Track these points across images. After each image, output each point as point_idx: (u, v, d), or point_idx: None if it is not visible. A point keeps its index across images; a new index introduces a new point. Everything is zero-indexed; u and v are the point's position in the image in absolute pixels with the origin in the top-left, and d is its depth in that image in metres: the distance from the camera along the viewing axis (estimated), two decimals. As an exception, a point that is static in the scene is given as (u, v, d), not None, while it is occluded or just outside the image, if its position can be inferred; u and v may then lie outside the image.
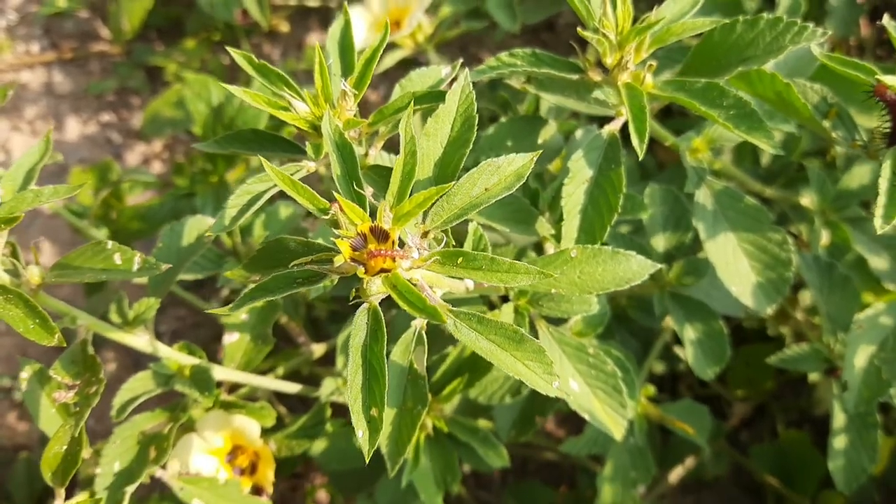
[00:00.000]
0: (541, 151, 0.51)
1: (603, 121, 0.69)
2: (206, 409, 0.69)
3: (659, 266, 0.59)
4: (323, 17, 1.43)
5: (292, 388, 0.74)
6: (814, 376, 1.03)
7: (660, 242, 0.78)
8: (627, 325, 0.88)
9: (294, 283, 0.47)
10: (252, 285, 0.47)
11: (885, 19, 0.64)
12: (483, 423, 0.75)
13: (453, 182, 0.49)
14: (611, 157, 0.63)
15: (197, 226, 0.67)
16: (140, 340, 0.64)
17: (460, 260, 0.46)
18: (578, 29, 0.59)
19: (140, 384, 0.65)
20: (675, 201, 0.78)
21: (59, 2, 1.38)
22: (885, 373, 0.69)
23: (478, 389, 0.72)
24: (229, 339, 0.71)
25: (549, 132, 0.75)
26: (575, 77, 0.62)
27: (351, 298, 0.48)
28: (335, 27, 0.60)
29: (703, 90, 0.60)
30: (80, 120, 1.37)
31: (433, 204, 0.48)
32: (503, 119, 0.76)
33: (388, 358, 0.58)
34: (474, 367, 0.71)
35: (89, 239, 0.99)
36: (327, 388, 0.72)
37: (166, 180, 1.14)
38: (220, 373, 0.67)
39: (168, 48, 1.40)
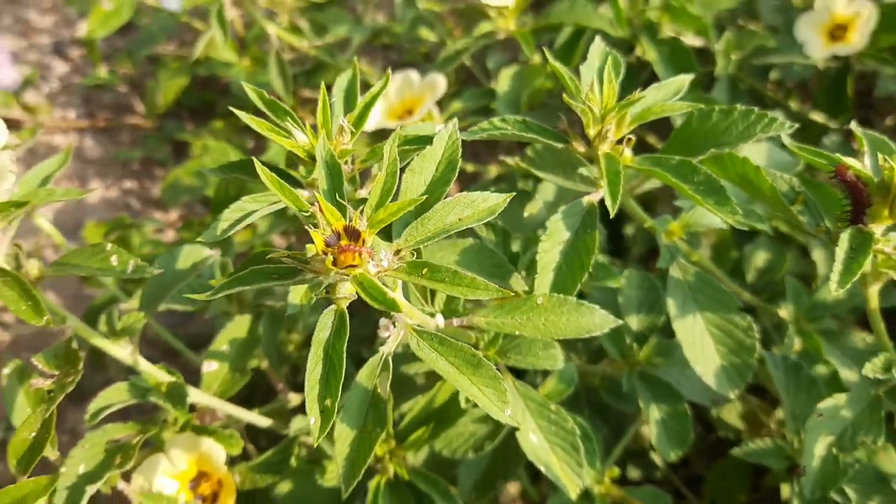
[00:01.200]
0: (514, 194, 0.56)
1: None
2: (177, 431, 0.71)
3: (620, 322, 0.62)
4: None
5: (263, 421, 0.75)
6: (785, 491, 1.03)
7: (633, 322, 0.81)
8: (601, 410, 0.90)
9: (269, 276, 0.50)
10: (230, 278, 0.50)
11: (853, 124, 0.69)
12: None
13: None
14: (587, 222, 0.67)
15: (192, 254, 0.71)
16: (123, 352, 0.67)
17: (425, 270, 0.49)
18: (564, 96, 0.64)
19: (115, 393, 0.67)
20: (650, 286, 0.81)
21: (100, 74, 1.48)
22: (841, 462, 0.71)
23: (443, 442, 0.73)
24: (208, 367, 0.73)
25: (535, 206, 0.80)
26: (560, 146, 0.67)
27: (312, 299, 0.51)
28: (343, 77, 0.66)
29: (677, 166, 0.65)
30: (103, 184, 1.43)
31: (407, 226, 0.52)
32: (493, 189, 0.81)
33: (353, 380, 0.61)
34: (441, 418, 0.73)
35: (97, 286, 1.03)
36: (297, 425, 0.74)
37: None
38: (195, 395, 0.70)
39: (196, 127, 1.48)
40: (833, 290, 0.59)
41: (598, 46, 0.74)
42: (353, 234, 0.47)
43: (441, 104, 1.12)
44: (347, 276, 0.48)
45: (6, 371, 0.66)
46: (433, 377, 0.75)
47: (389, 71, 0.63)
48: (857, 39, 1.15)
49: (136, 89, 1.54)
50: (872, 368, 0.73)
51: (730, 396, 0.74)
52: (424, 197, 0.51)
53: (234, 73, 1.34)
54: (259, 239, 1.06)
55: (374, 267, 0.49)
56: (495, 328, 0.62)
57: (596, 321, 0.61)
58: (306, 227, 0.49)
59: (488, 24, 1.09)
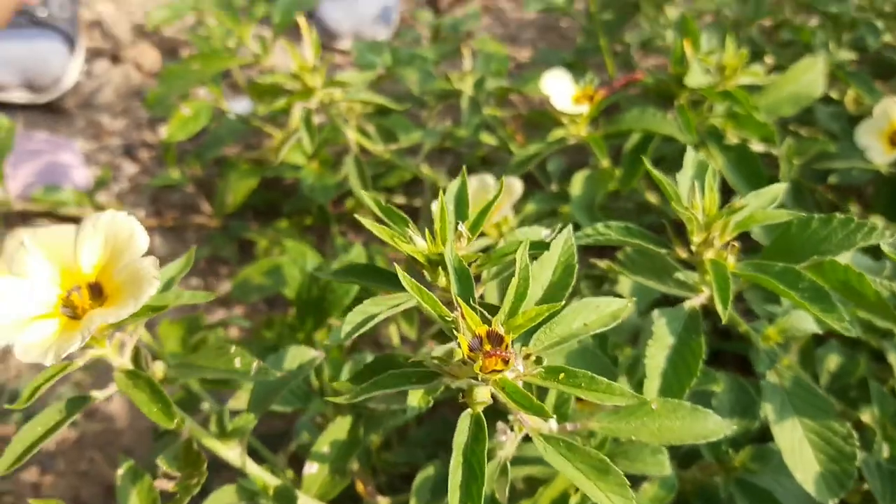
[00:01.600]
0: (635, 299, 0.57)
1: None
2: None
3: (734, 428, 0.62)
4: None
5: (362, 526, 0.75)
6: None
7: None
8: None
9: (408, 380, 0.51)
10: (369, 382, 0.51)
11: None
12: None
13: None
14: (691, 327, 0.68)
15: (299, 355, 0.72)
16: (232, 453, 0.68)
17: (562, 375, 0.50)
18: (673, 204, 0.66)
19: (225, 496, 0.67)
20: (741, 390, 0.81)
21: (172, 175, 1.52)
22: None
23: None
24: (309, 469, 0.74)
25: (626, 311, 0.80)
26: (663, 251, 0.69)
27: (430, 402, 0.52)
28: (453, 185, 0.68)
29: (781, 273, 0.66)
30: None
31: (537, 328, 0.53)
32: (587, 293, 0.82)
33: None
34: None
35: (175, 387, 1.04)
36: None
37: (246, 339, 1.20)
38: (302, 499, 0.69)
39: (261, 226, 1.52)
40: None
41: (691, 156, 0.76)
42: (496, 339, 0.48)
43: (514, 207, 1.14)
44: (488, 381, 0.49)
45: (121, 472, 0.67)
46: (532, 483, 0.75)
47: (504, 179, 0.66)
48: (919, 145, 1.17)
49: (202, 189, 1.59)
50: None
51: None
52: (563, 303, 0.52)
53: (303, 175, 1.38)
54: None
55: (512, 373, 0.50)
56: (610, 433, 0.62)
57: (710, 427, 0.61)
58: (448, 333, 0.50)
59: (561, 130, 1.13)
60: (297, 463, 0.82)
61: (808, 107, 1.34)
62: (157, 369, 0.61)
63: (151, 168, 1.65)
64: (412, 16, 2.00)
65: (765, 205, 0.70)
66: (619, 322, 0.55)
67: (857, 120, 1.22)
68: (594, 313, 0.55)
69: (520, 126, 1.46)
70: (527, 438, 0.76)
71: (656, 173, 0.70)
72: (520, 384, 0.50)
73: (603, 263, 0.81)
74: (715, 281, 0.64)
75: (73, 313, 0.55)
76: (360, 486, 0.84)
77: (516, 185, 1.07)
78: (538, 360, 0.53)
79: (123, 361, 0.60)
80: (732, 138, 1.20)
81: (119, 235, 0.56)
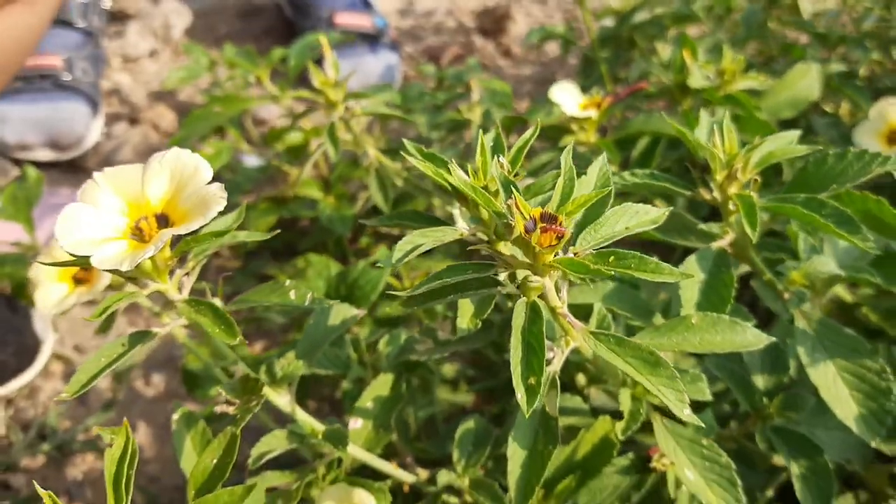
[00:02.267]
0: (672, 208, 0.60)
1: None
2: (331, 481, 0.71)
3: (773, 339, 0.64)
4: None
5: (409, 477, 0.76)
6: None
7: (759, 381, 0.82)
8: (741, 456, 0.89)
9: (466, 272, 0.54)
10: (431, 275, 0.54)
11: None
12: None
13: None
14: (720, 262, 0.71)
15: (342, 311, 0.74)
16: (282, 400, 0.69)
17: (612, 258, 0.53)
18: (693, 146, 0.70)
19: (275, 440, 0.69)
20: (769, 346, 0.83)
21: (193, 217, 1.56)
22: None
23: (587, 494, 0.73)
24: (354, 424, 0.75)
25: (663, 218, 0.83)
26: (687, 193, 0.72)
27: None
28: (489, 135, 0.72)
29: (805, 202, 0.69)
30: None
31: (581, 230, 0.56)
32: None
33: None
34: (585, 469, 0.73)
35: (204, 393, 1.06)
36: (443, 479, 0.74)
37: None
38: (349, 445, 0.71)
39: (279, 264, 1.55)
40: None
41: (705, 116, 0.80)
42: (550, 220, 0.51)
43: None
44: (546, 260, 0.52)
45: (175, 416, 0.68)
46: (572, 432, 0.76)
47: (539, 120, 0.70)
48: (914, 144, 1.22)
49: (220, 234, 1.63)
50: None
51: (872, 444, 0.74)
52: (608, 189, 0.56)
53: (322, 208, 1.42)
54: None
55: (568, 251, 0.53)
56: (653, 347, 0.64)
57: (750, 338, 0.64)
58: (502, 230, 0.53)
59: (571, 136, 1.17)
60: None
61: (806, 118, 1.40)
62: (216, 302, 0.64)
63: (170, 217, 1.69)
64: (416, 72, 2.09)
65: (785, 144, 0.74)
66: (658, 225, 0.58)
67: (854, 128, 1.27)
68: (634, 218, 0.58)
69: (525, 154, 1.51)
70: (564, 388, 0.78)
71: (676, 125, 0.74)
72: (563, 297, 0.53)
73: (628, 228, 0.84)
74: (743, 209, 0.68)
75: (142, 238, 0.58)
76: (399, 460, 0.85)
77: (534, 186, 1.11)
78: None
79: (183, 296, 0.62)
80: (736, 143, 1.25)
81: (185, 170, 0.60)
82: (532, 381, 0.50)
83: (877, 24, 1.55)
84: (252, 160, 1.70)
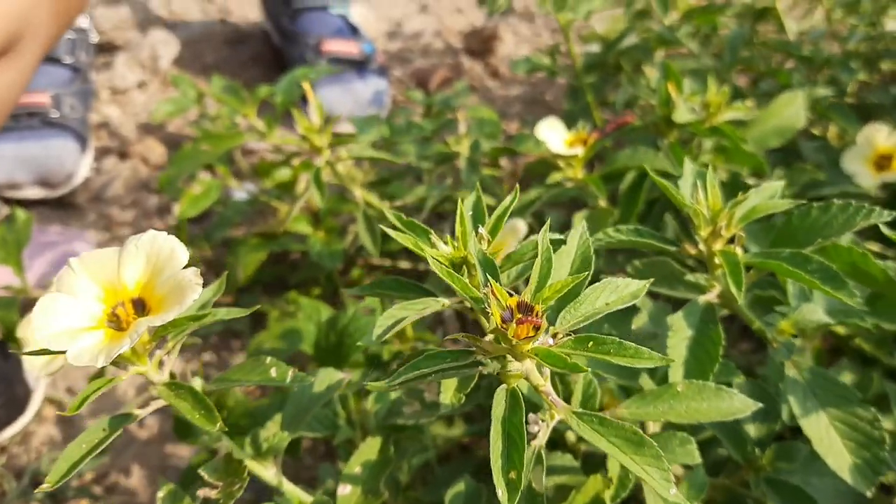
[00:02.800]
0: (652, 280, 0.60)
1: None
2: (319, 553, 0.71)
3: (760, 405, 0.64)
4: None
5: (400, 544, 0.75)
6: None
7: (751, 429, 0.81)
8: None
9: (444, 361, 0.53)
10: (406, 365, 0.53)
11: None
12: None
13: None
14: (707, 318, 0.71)
15: (328, 377, 0.74)
16: (268, 473, 0.69)
17: (591, 343, 0.52)
18: (678, 200, 0.70)
19: (263, 515, 0.68)
20: (760, 391, 0.82)
21: (183, 256, 1.56)
22: None
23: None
24: (342, 490, 0.74)
25: (641, 320, 0.83)
26: (672, 249, 0.72)
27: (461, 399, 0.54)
28: (469, 198, 0.72)
29: (790, 257, 0.69)
30: (183, 358, 1.48)
31: (561, 308, 0.56)
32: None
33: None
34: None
35: (196, 440, 1.05)
36: (434, 544, 0.73)
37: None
38: (336, 516, 0.70)
39: (272, 299, 1.54)
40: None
41: (689, 165, 0.80)
42: (526, 309, 0.51)
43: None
44: (523, 350, 0.51)
45: (161, 494, 0.68)
46: (563, 492, 0.76)
47: (518, 186, 0.69)
48: (902, 168, 1.22)
49: (211, 269, 1.62)
50: None
51: (867, 494, 0.74)
52: (583, 275, 0.55)
53: (311, 244, 1.41)
54: (354, 387, 1.08)
55: (544, 340, 0.52)
56: (638, 418, 0.63)
57: (737, 405, 0.63)
58: (479, 312, 0.52)
59: (558, 174, 1.17)
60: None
61: (794, 143, 1.40)
62: (196, 384, 0.63)
63: (161, 253, 1.69)
64: (404, 97, 2.08)
65: (766, 198, 0.73)
66: (636, 300, 0.57)
67: (842, 152, 1.27)
68: (614, 293, 0.57)
69: (513, 184, 1.51)
70: (553, 446, 0.77)
71: (659, 180, 0.74)
72: (545, 375, 0.52)
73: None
74: (727, 267, 0.67)
75: (119, 326, 0.57)
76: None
77: (521, 226, 1.11)
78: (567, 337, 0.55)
79: (163, 378, 0.62)
80: (724, 174, 1.24)
81: (160, 253, 0.59)
82: (513, 475, 0.50)
83: (862, 41, 1.54)
84: (241, 193, 1.69)
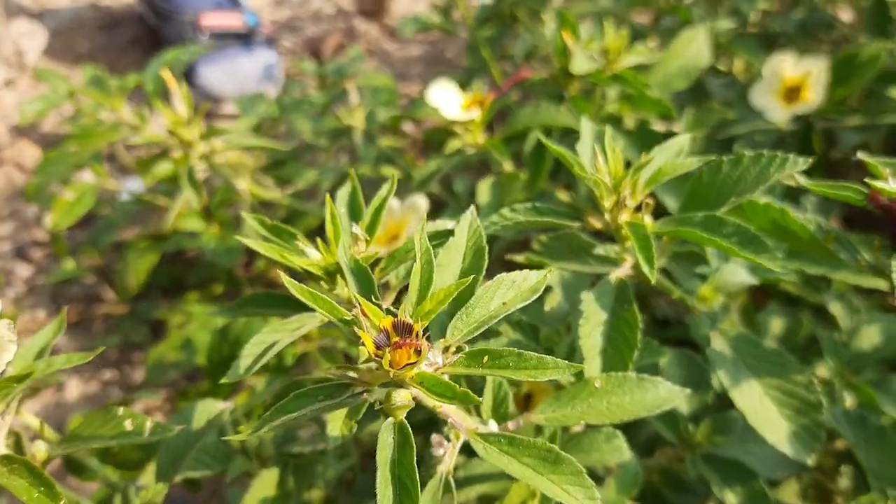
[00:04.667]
0: (552, 269, 0.52)
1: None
2: None
3: (687, 390, 0.57)
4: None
5: (310, 585, 0.67)
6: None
7: (683, 405, 0.75)
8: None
9: (316, 398, 0.45)
10: (272, 409, 0.45)
11: (859, 153, 0.67)
12: None
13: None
14: (622, 298, 0.64)
15: (207, 409, 0.65)
16: (146, 533, 0.60)
17: (485, 359, 0.45)
18: (576, 171, 0.62)
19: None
20: (689, 362, 0.77)
21: (67, 268, 1.43)
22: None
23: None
24: (241, 535, 0.66)
25: (554, 300, 0.76)
26: (575, 225, 0.64)
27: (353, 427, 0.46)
28: (343, 191, 0.63)
29: (703, 222, 0.62)
30: (81, 379, 1.36)
31: (451, 316, 0.48)
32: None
33: None
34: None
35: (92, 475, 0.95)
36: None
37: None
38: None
39: (171, 304, 1.43)
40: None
41: (587, 125, 0.72)
42: (405, 330, 0.42)
43: (425, 228, 1.09)
44: (404, 380, 0.43)
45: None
46: (486, 502, 0.68)
47: (395, 172, 0.61)
48: (812, 97, 1.17)
49: (103, 278, 1.50)
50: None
51: (807, 462, 0.68)
52: (472, 277, 0.47)
53: (205, 242, 1.30)
54: (258, 399, 0.99)
55: (429, 367, 0.44)
56: (556, 423, 0.56)
57: (662, 395, 0.56)
58: (350, 337, 0.44)
59: (457, 140, 1.09)
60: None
61: (700, 82, 1.34)
62: (38, 450, 0.53)
63: (46, 266, 1.56)
64: (297, 69, 1.96)
65: (671, 157, 0.66)
66: (538, 295, 0.49)
67: (749, 87, 1.22)
68: (512, 290, 0.49)
69: (419, 152, 1.42)
70: (472, 452, 0.70)
71: (554, 146, 0.66)
72: (445, 378, 0.44)
73: (520, 257, 0.76)
74: (635, 242, 0.60)
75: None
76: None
77: (421, 203, 1.02)
78: (459, 351, 0.47)
79: (-4, 449, 0.52)
80: (631, 121, 1.18)
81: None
82: (408, 529, 0.42)
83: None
84: (133, 184, 1.56)
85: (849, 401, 0.84)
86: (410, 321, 0.43)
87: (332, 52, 2.09)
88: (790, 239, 0.65)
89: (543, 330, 0.70)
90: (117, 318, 1.44)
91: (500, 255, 1.05)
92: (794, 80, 1.19)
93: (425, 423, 0.68)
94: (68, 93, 1.58)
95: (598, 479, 0.70)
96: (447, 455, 0.53)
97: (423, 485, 0.54)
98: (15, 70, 1.95)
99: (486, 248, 0.55)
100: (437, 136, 1.17)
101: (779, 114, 1.17)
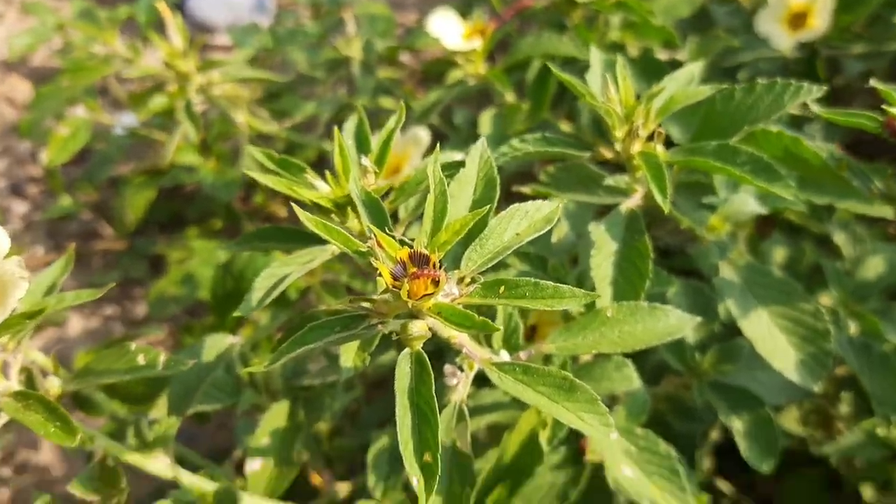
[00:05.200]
0: (565, 200, 0.51)
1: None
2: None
3: (698, 319, 0.57)
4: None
5: (323, 513, 0.68)
6: (867, 492, 0.97)
7: (691, 334, 0.76)
8: (668, 435, 0.84)
9: (333, 330, 0.44)
10: (289, 341, 0.45)
11: (872, 80, 0.66)
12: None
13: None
14: (633, 228, 0.63)
15: (216, 344, 0.65)
16: (160, 465, 0.60)
17: (502, 289, 0.44)
18: (588, 100, 0.61)
19: (161, 515, 0.60)
20: (696, 292, 0.77)
21: (63, 203, 1.42)
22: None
23: (522, 500, 0.67)
24: (251, 466, 0.66)
25: (561, 230, 0.75)
26: (586, 154, 0.64)
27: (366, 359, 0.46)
28: (350, 123, 0.62)
29: (716, 150, 0.61)
30: (82, 315, 1.36)
31: (466, 247, 0.47)
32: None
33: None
34: (516, 472, 0.66)
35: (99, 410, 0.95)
36: (360, 510, 0.67)
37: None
38: (246, 500, 0.62)
39: (169, 239, 1.42)
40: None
41: (596, 54, 0.71)
42: (421, 260, 0.42)
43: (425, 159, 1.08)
44: (421, 310, 0.43)
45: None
46: (496, 431, 0.69)
47: (402, 103, 0.59)
48: (818, 24, 1.14)
49: (100, 214, 1.49)
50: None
51: (814, 389, 0.69)
52: (486, 207, 0.46)
53: (202, 176, 1.29)
54: (263, 332, 0.99)
55: (445, 297, 0.44)
56: (567, 352, 0.56)
57: (674, 322, 0.56)
58: (364, 268, 0.44)
59: (458, 71, 1.07)
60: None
61: (705, 9, 1.31)
62: (52, 385, 0.53)
63: (42, 202, 1.54)
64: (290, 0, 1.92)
65: (683, 85, 0.65)
66: (552, 225, 0.49)
67: (755, 14, 1.19)
68: (525, 221, 0.49)
69: (417, 83, 1.40)
70: (481, 382, 0.70)
71: (563, 75, 0.64)
72: (461, 308, 0.44)
73: (527, 188, 0.75)
74: (648, 171, 0.59)
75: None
76: (314, 478, 0.77)
77: (422, 135, 1.01)
78: (474, 282, 0.47)
79: (10, 384, 0.52)
80: (634, 50, 1.16)
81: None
82: (427, 457, 0.42)
83: None
84: (127, 119, 1.53)
85: (853, 328, 0.85)
86: (426, 252, 0.42)
87: (325, -18, 2.04)
88: (802, 167, 0.65)
89: (551, 261, 0.70)
90: (116, 254, 1.44)
91: (505, 187, 1.04)
92: (800, 6, 1.16)
93: (433, 354, 0.68)
94: (57, 25, 1.55)
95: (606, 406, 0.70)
96: (461, 385, 0.53)
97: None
98: (2, 3, 1.91)
99: (498, 178, 0.54)
100: (437, 67, 1.15)
101: (784, 41, 1.15)
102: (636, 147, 0.62)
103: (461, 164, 0.55)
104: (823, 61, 1.24)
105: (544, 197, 0.74)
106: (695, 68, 0.67)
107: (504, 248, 0.48)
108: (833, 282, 0.87)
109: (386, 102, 1.32)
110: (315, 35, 1.39)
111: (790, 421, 0.96)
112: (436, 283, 0.41)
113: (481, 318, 0.41)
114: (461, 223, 0.44)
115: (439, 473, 0.41)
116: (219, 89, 1.07)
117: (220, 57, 1.78)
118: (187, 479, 0.61)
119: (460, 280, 0.47)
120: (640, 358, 0.82)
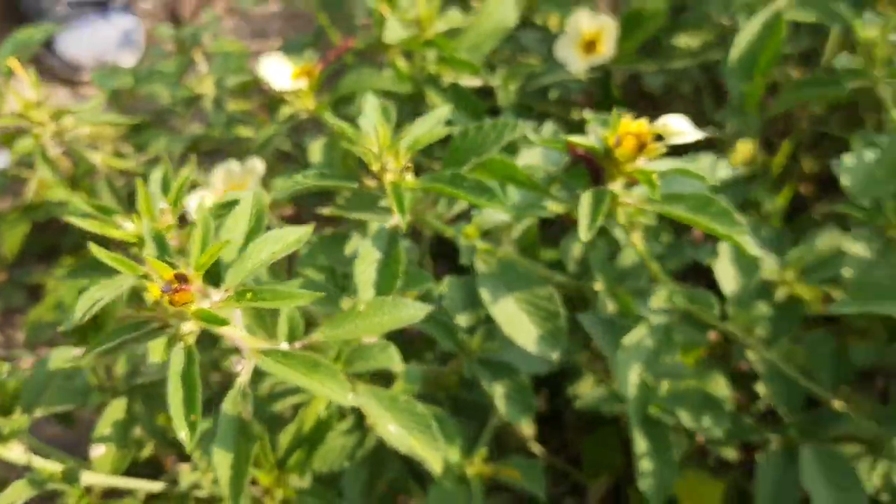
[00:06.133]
0: (314, 224, 0.68)
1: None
2: (83, 509, 0.78)
3: (431, 307, 0.74)
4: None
5: (156, 486, 0.83)
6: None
7: (462, 320, 0.94)
8: (462, 407, 1.02)
9: (127, 331, 0.60)
10: (95, 340, 0.60)
11: (585, 112, 0.85)
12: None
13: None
14: (392, 241, 0.80)
15: (62, 355, 0.79)
16: (14, 453, 0.74)
17: (249, 295, 0.61)
18: (344, 143, 0.78)
19: (16, 492, 0.74)
20: (467, 287, 0.95)
21: (-59, 240, 1.52)
22: (649, 382, 0.86)
23: (319, 460, 0.83)
24: (96, 451, 0.81)
25: (352, 245, 0.92)
26: (354, 185, 0.81)
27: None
28: (157, 172, 0.77)
29: (451, 178, 0.79)
30: (-33, 342, 1.47)
31: (229, 267, 0.64)
32: (314, 238, 0.93)
33: (220, 409, 0.70)
34: (312, 439, 0.83)
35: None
36: (186, 480, 0.82)
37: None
38: (89, 477, 0.77)
39: (47, 269, 1.54)
40: (583, 237, 0.74)
41: (370, 101, 0.88)
42: (183, 279, 0.58)
43: (267, 186, 1.24)
44: (186, 314, 0.59)
45: None
46: (298, 409, 0.85)
47: (193, 157, 0.75)
48: (605, 50, 1.35)
49: (-22, 248, 1.59)
50: (656, 301, 0.89)
51: (552, 358, 0.87)
52: (237, 237, 0.63)
53: (72, 210, 1.42)
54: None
55: (208, 304, 0.60)
56: (334, 338, 0.73)
57: (412, 312, 0.73)
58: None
59: (288, 107, 1.23)
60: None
61: (516, 38, 1.50)
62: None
63: (-79, 240, 1.63)
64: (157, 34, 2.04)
65: (432, 126, 0.82)
66: (300, 246, 0.65)
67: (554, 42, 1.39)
68: (279, 243, 0.66)
69: (269, 112, 1.55)
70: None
71: (339, 123, 0.81)
72: (216, 311, 0.60)
73: (326, 210, 0.92)
74: (392, 195, 0.77)
75: None
76: (167, 462, 0.92)
77: (257, 165, 1.17)
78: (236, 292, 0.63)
79: None
80: (449, 79, 1.34)
81: None
82: (193, 417, 0.58)
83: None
84: (2, 157, 1.64)
85: (610, 306, 1.04)
86: (185, 272, 0.58)
87: (192, 13, 2.18)
88: (521, 184, 0.83)
89: (340, 270, 0.87)
90: (-4, 285, 1.55)
91: (311, 207, 1.18)
92: (591, 34, 1.37)
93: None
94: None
95: (390, 379, 0.88)
96: (244, 371, 0.69)
97: (225, 393, 0.71)
98: None
99: (266, 213, 0.70)
100: (271, 104, 1.31)
101: (578, 65, 1.35)
102: (389, 178, 0.79)
103: (236, 202, 0.71)
104: (620, 80, 1.46)
105: (340, 217, 0.91)
106: (445, 111, 0.84)
107: (260, 264, 0.64)
108: (598, 268, 1.06)
109: (242, 131, 1.47)
110: (172, 75, 1.53)
111: (586, 386, 1.15)
112: (192, 294, 0.58)
113: (221, 317, 0.57)
114: (216, 248, 0.60)
115: (200, 429, 0.58)
116: (77, 132, 1.20)
117: (89, 92, 1.90)
118: (39, 462, 0.75)
119: (226, 290, 0.63)
120: (431, 344, 1.00)
